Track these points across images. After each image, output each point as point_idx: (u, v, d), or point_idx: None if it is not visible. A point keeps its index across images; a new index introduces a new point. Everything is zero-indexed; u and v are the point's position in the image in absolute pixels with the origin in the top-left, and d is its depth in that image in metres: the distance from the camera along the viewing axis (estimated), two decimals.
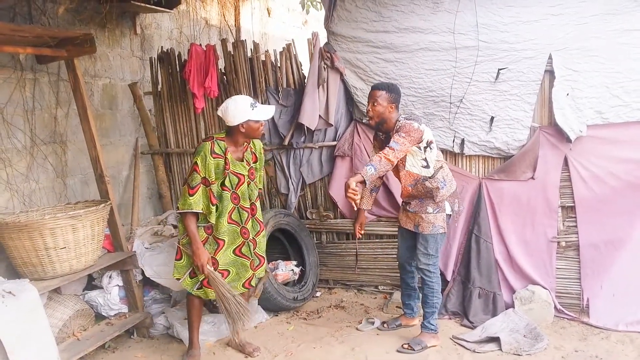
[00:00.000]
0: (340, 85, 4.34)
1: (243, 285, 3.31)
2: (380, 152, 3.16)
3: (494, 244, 4.02)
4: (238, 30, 6.99)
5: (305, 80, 4.36)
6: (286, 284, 4.31)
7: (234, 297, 3.14)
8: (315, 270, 4.59)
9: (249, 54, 4.55)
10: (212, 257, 3.13)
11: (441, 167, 3.45)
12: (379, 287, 4.59)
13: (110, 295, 3.70)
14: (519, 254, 4.00)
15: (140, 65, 4.99)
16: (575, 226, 3.90)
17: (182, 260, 3.21)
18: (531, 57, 3.85)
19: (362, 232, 3.95)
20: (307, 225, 4.65)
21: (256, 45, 4.49)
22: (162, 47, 4.79)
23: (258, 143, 3.29)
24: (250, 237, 3.26)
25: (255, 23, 7.48)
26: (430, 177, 3.41)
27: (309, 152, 4.56)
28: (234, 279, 3.26)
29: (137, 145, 4.93)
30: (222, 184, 3.06)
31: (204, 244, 3.11)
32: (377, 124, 3.40)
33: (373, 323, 3.91)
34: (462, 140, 4.10)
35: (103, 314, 3.74)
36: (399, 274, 4.23)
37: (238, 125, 2.99)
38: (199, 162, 2.99)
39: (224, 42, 4.53)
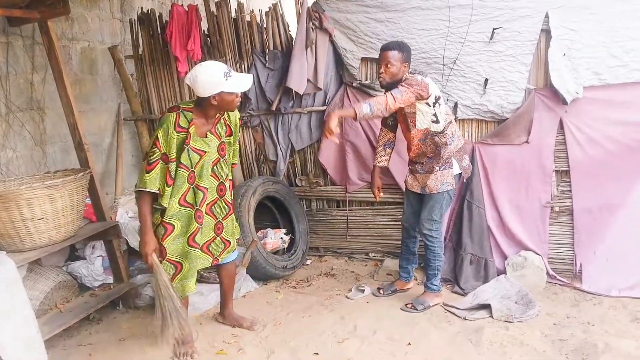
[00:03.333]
0: (329, 47, 4.21)
1: (197, 281, 3.00)
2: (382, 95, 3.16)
3: (486, 209, 3.97)
4: None
5: (293, 42, 4.22)
6: (276, 253, 4.26)
7: (172, 300, 2.76)
8: (305, 238, 4.54)
9: (234, 15, 4.38)
10: (159, 244, 2.81)
11: (450, 122, 3.43)
12: (370, 254, 4.55)
13: (94, 266, 3.64)
14: (511, 220, 3.95)
15: (120, 28, 4.81)
16: (570, 191, 3.84)
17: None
18: (527, 15, 3.74)
19: (381, 194, 3.84)
20: (297, 193, 4.59)
21: (240, 5, 4.32)
22: (141, 7, 4.59)
23: (234, 114, 2.96)
24: (207, 223, 2.93)
25: None
26: (439, 132, 3.38)
27: (297, 117, 4.46)
28: (185, 275, 2.89)
29: (119, 112, 4.80)
30: (179, 161, 2.71)
31: (155, 229, 2.81)
32: (388, 85, 3.31)
33: (363, 291, 3.87)
34: (455, 104, 4.01)
35: (87, 285, 3.68)
36: (388, 241, 4.27)
37: (209, 97, 2.63)
38: (160, 135, 2.63)
39: (206, 1, 4.34)
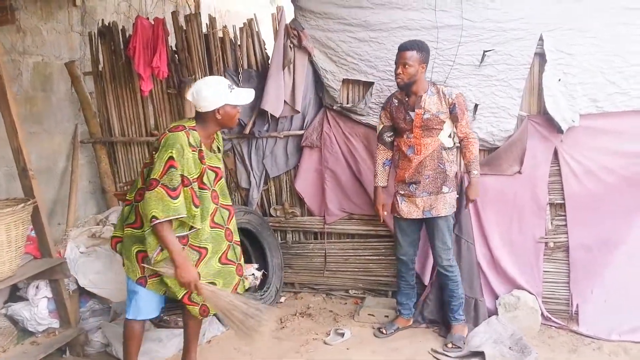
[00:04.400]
0: (308, 67, 4.01)
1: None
2: (469, 140, 3.37)
3: (476, 245, 3.76)
4: (197, 6, 6.49)
5: (269, 61, 3.99)
6: (246, 290, 3.79)
7: (243, 303, 2.67)
8: (280, 274, 4.23)
9: (205, 30, 4.13)
10: None
11: (455, 143, 3.47)
12: (350, 291, 4.28)
13: (38, 309, 3.24)
14: (503, 256, 3.74)
15: (80, 42, 4.49)
16: (565, 225, 3.65)
17: (158, 279, 2.66)
18: (520, 37, 3.57)
19: (386, 212, 3.63)
20: (271, 224, 4.31)
21: (212, 20, 4.06)
22: (102, 20, 4.27)
23: (220, 135, 2.87)
24: (234, 239, 2.87)
25: None
26: (448, 148, 3.39)
27: (272, 142, 4.21)
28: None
29: (76, 133, 4.45)
30: (201, 182, 2.62)
31: None
32: (405, 85, 3.28)
33: (343, 335, 3.55)
34: None
35: (30, 329, 3.27)
36: (370, 277, 4.12)
37: (214, 111, 2.57)
38: (175, 155, 2.46)
39: (174, 14, 4.06)
